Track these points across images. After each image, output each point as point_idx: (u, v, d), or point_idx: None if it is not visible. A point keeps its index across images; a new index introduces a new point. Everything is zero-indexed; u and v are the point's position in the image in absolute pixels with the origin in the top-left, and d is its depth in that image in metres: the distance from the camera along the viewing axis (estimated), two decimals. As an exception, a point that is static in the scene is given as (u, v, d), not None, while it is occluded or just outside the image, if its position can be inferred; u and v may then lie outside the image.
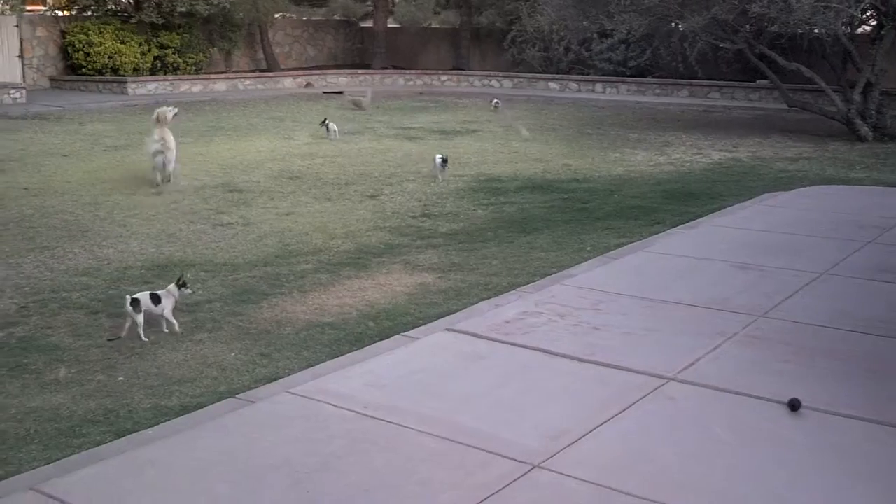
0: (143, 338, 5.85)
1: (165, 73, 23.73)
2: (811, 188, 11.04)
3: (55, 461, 4.19)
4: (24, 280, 7.21)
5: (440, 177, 11.67)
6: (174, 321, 6.01)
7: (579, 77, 24.73)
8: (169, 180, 11.13)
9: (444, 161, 11.77)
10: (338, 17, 30.34)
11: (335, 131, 15.44)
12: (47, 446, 4.40)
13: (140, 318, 5.85)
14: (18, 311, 6.48)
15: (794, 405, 4.58)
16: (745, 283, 6.81)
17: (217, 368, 5.40)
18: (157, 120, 11.33)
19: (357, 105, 20.07)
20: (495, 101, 20.75)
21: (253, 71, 26.60)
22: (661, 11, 16.66)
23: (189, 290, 6.20)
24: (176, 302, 6.06)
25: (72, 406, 4.87)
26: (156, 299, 5.94)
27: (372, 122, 18.02)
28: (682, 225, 8.94)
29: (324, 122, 15.79)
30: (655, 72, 23.88)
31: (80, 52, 22.74)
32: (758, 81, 21.34)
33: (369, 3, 29.52)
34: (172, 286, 6.06)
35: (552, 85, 24.89)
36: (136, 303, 5.86)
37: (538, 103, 21.96)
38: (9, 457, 4.29)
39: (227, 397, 4.89)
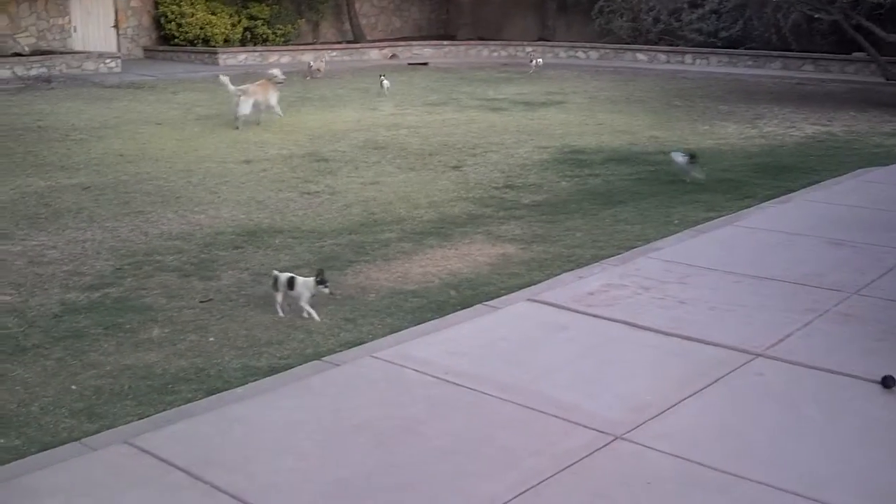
0: (280, 313, 5.77)
1: (255, 44, 24.09)
2: (910, 164, 10.64)
3: (148, 416, 4.34)
4: (119, 243, 7.45)
5: (688, 178, 9.60)
6: (311, 310, 5.75)
7: (668, 48, 24.23)
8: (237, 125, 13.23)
9: (692, 158, 9.63)
10: (424, -12, 30.31)
11: (387, 87, 17.18)
12: (140, 402, 4.55)
13: (278, 296, 5.80)
14: (114, 272, 6.71)
15: (887, 383, 4.45)
16: (838, 260, 6.62)
17: (304, 332, 5.51)
18: (267, 79, 13.74)
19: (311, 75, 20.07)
20: (536, 60, 20.75)
21: (340, 42, 26.79)
22: (756, -20, 16.20)
23: (327, 290, 5.79)
24: (312, 296, 5.76)
25: (164, 364, 5.03)
26: (291, 283, 5.77)
27: (456, 93, 18.00)
28: (774, 199, 8.72)
29: (380, 77, 17.54)
30: (747, 43, 23.23)
31: (173, 23, 23.24)
32: (854, 54, 20.58)
33: (456, -27, 29.39)
34: (310, 280, 5.77)
35: (640, 56, 24.45)
36: (275, 281, 5.81)
37: (625, 75, 21.61)
38: (104, 411, 4.46)
39: (313, 359, 4.99)
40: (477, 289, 6.28)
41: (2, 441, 4.16)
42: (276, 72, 14.10)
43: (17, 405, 4.53)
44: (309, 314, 5.75)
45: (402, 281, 6.50)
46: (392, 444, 3.95)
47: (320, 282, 5.75)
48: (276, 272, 5.92)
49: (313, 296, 5.78)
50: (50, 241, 7.49)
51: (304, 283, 5.78)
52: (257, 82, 13.77)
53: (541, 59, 20.32)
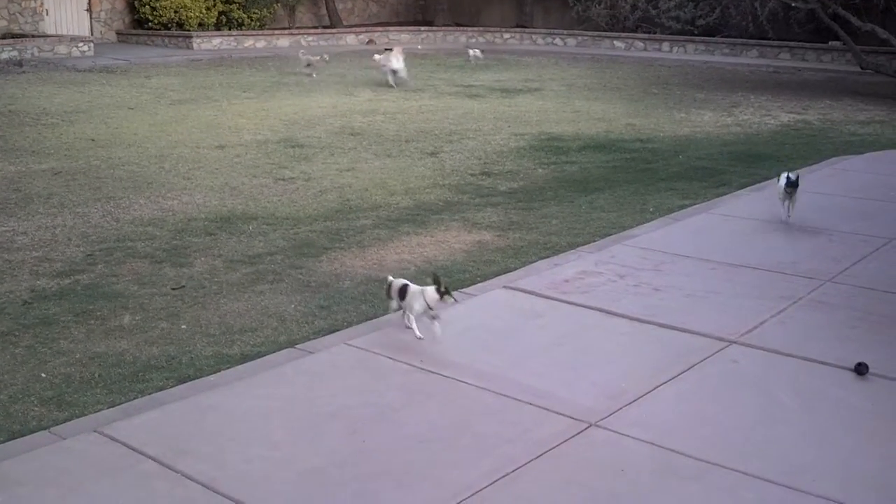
0: (417, 332, 4.87)
1: (230, 29, 23.86)
2: (883, 153, 10.71)
3: (118, 405, 4.28)
4: (90, 229, 7.35)
5: (787, 212, 7.30)
6: (434, 325, 4.88)
7: (646, 36, 24.25)
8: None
9: (792, 184, 7.20)
10: (401, -26, 30.14)
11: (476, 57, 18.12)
12: (111, 390, 4.49)
13: (392, 303, 5.08)
14: (85, 259, 6.61)
15: (860, 370, 4.47)
16: (813, 247, 6.65)
17: (277, 319, 5.46)
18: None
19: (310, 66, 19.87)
20: (474, 51, 20.62)
21: (316, 27, 26.60)
22: (733, -32, 16.21)
23: (452, 300, 4.86)
24: (428, 308, 4.83)
25: (135, 352, 4.96)
26: (403, 292, 4.92)
27: (433, 79, 17.91)
28: (749, 187, 8.75)
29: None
30: (724, 31, 23.29)
31: (147, 7, 22.96)
32: (830, 43, 20.69)
33: (433, -41, 29.24)
34: (430, 289, 4.82)
35: (617, 43, 24.45)
36: (388, 288, 5.02)
37: (603, 62, 21.60)
38: (74, 399, 4.39)
39: (286, 347, 4.94)
40: (453, 276, 6.24)
41: (-31, 430, 4.09)
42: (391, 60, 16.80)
43: (-15, 393, 4.45)
44: (419, 331, 4.87)
45: (377, 268, 6.46)
46: (366, 432, 3.92)
47: (444, 292, 4.77)
48: (390, 277, 5.12)
49: (431, 309, 4.80)
50: (20, 226, 7.38)
51: (422, 291, 4.82)
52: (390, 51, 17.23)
53: (479, 51, 20.00)
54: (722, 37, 23.16)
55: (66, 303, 5.70)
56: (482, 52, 20.23)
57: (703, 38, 23.31)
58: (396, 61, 16.69)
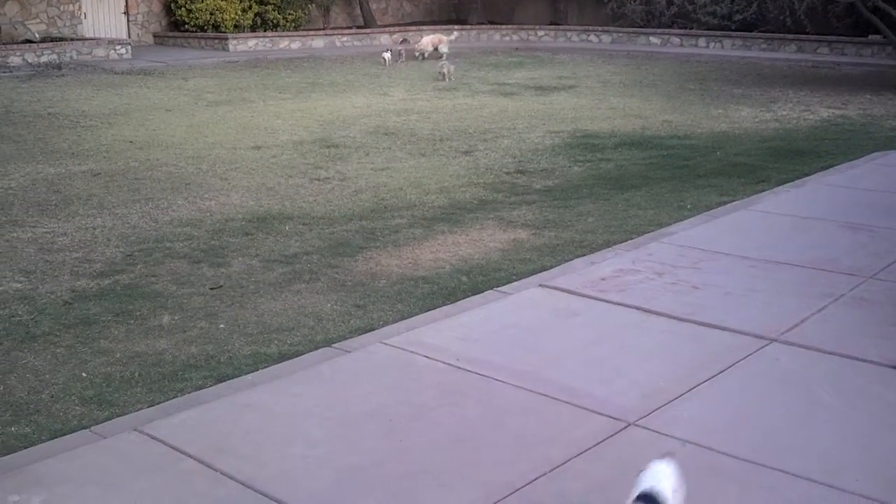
0: None
1: (265, 30, 24.02)
2: (927, 147, 10.52)
3: (158, 404, 4.32)
4: (129, 230, 7.43)
5: None
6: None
7: (682, 31, 24.04)
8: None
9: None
10: (434, -27, 30.14)
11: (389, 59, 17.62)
12: (150, 389, 4.53)
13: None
14: (124, 259, 6.69)
15: (904, 370, 4.39)
16: (854, 244, 6.54)
17: (314, 318, 5.48)
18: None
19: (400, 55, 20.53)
20: (393, 49, 20.28)
21: (350, 27, 26.70)
22: (770, -38, 16.00)
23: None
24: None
25: (174, 351, 5.01)
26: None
27: (467, 77, 17.90)
28: (788, 183, 8.63)
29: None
30: (762, 26, 23.02)
31: (183, 9, 23.18)
32: (870, 37, 20.38)
33: (466, -43, 29.22)
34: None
35: (653, 39, 24.27)
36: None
37: (638, 58, 21.46)
38: (114, 398, 4.44)
39: (323, 346, 4.96)
40: (488, 274, 6.24)
41: (12, 429, 4.14)
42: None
43: (28, 393, 4.52)
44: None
45: (412, 267, 6.46)
46: (403, 431, 3.92)
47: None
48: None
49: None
50: (60, 227, 7.48)
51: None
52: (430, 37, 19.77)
53: (394, 51, 18.34)
54: (759, 32, 22.89)
55: (105, 303, 5.77)
56: (452, 66, 17.42)
57: (740, 33, 23.07)
58: (443, 45, 19.04)
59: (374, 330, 5.20)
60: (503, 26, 27.27)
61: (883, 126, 12.34)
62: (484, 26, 27.44)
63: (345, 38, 24.63)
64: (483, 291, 5.80)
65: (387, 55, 15.46)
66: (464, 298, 5.71)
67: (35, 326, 5.38)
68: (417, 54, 18.77)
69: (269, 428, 3.96)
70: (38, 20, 21.55)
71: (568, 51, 23.36)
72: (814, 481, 3.49)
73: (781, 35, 22.26)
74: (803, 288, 5.63)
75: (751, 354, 4.66)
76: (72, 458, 3.73)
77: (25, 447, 3.93)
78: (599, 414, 4.04)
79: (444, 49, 15.56)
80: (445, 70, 15.92)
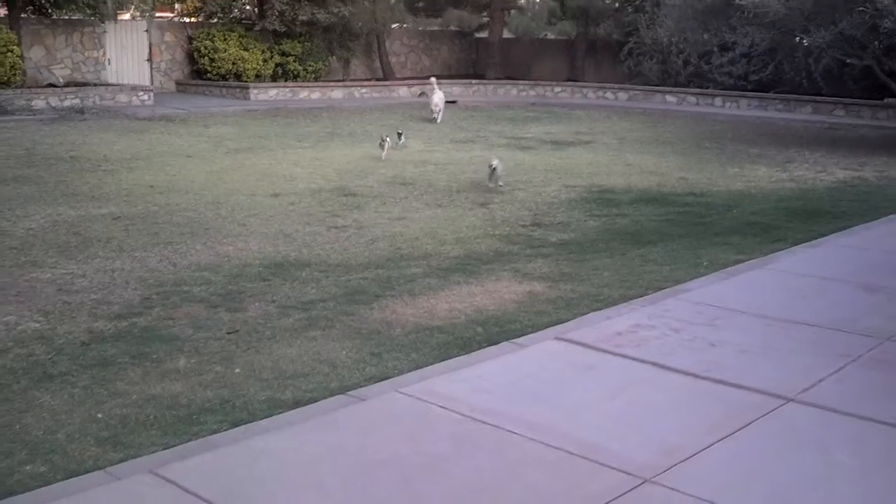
0: None
1: (286, 80, 24.36)
2: (943, 210, 10.52)
3: (172, 447, 4.32)
4: (148, 273, 7.49)
5: None
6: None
7: (698, 90, 24.25)
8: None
9: None
10: (453, 28, 30.56)
11: (392, 143, 14.48)
12: (166, 432, 4.54)
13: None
14: (142, 302, 6.73)
15: (924, 433, 4.35)
16: (872, 305, 6.52)
17: (329, 365, 5.48)
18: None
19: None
20: (431, 81, 20.56)
21: (369, 79, 27.06)
22: (786, 25, 16.19)
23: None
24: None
25: (190, 395, 5.01)
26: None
27: (484, 131, 18.07)
28: (805, 243, 8.64)
29: (399, 134, 15.14)
30: (778, 87, 23.21)
31: (206, 58, 23.57)
32: (886, 100, 20.50)
33: (485, 14, 29.65)
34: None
35: (669, 98, 24.48)
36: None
37: (654, 116, 21.62)
38: (129, 440, 4.44)
39: (338, 393, 4.96)
40: (503, 326, 6.24)
41: (28, 468, 4.15)
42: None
43: (44, 432, 4.53)
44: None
45: (427, 316, 6.48)
46: (417, 482, 3.90)
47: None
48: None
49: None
50: (79, 269, 7.54)
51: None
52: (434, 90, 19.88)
53: (389, 139, 14.41)
54: (775, 92, 23.07)
55: (123, 345, 5.80)
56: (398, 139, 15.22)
57: (756, 93, 23.25)
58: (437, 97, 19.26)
59: (388, 378, 5.20)
60: (520, 81, 27.58)
61: (899, 188, 12.36)
62: (501, 81, 27.75)
63: (364, 90, 24.94)
64: (498, 343, 5.81)
65: (387, 143, 13.95)
66: (479, 349, 5.71)
67: (52, 366, 5.41)
68: (434, 115, 19.11)
69: (283, 475, 3.95)
70: (62, 65, 21.95)
71: (584, 107, 23.58)
72: (832, 543, 3.45)
73: (797, 96, 22.42)
74: (820, 348, 5.61)
75: (768, 413, 4.63)
76: (86, 499, 3.73)
77: (40, 486, 3.93)
78: (615, 469, 4.01)
79: (498, 167, 13.08)
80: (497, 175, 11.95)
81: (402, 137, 13.57)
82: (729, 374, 5.15)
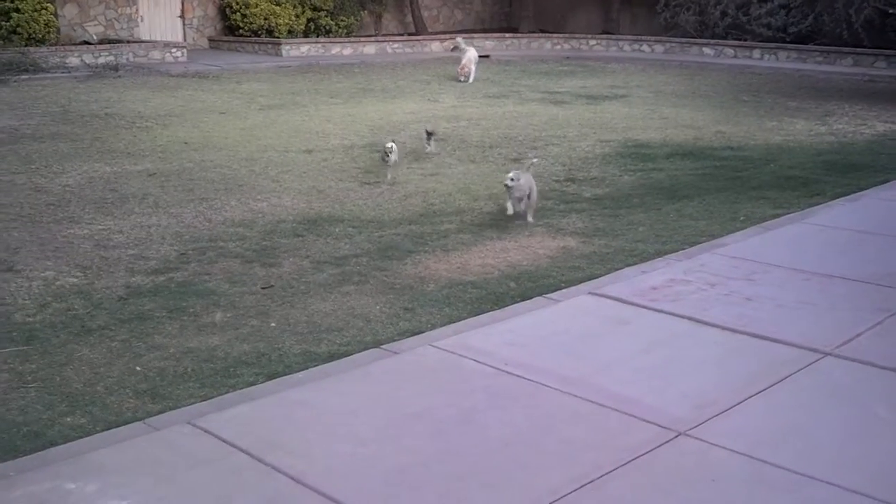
0: None
1: (318, 36, 24.23)
2: None
3: (210, 399, 4.38)
4: (183, 229, 7.55)
5: None
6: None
7: (735, 43, 23.78)
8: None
9: None
10: (487, -19, 30.17)
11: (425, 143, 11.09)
12: (203, 384, 4.60)
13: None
14: (178, 257, 6.79)
15: (964, 388, 4.29)
16: (912, 259, 6.42)
17: (363, 319, 5.51)
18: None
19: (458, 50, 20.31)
20: (457, 41, 20.29)
21: (401, 34, 26.83)
22: (828, -26, 15.76)
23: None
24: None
25: (226, 348, 5.07)
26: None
27: (517, 86, 17.90)
28: (844, 197, 8.50)
29: (428, 134, 11.10)
30: (817, 38, 22.69)
31: (238, 14, 23.47)
32: (930, 50, 19.99)
33: (519, -34, 29.22)
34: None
35: (706, 50, 24.04)
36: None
37: (691, 69, 21.28)
38: (167, 392, 4.51)
39: (372, 347, 4.99)
40: (537, 281, 6.23)
41: (68, 419, 4.23)
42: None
43: (83, 385, 4.61)
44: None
45: (460, 272, 6.48)
46: (450, 434, 3.93)
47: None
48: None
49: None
50: (116, 225, 7.62)
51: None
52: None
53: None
54: (815, 44, 22.56)
55: (160, 299, 5.87)
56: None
57: (795, 45, 22.75)
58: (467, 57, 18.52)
59: (422, 333, 5.22)
60: (554, 35, 27.21)
61: (942, 141, 12.10)
62: (535, 35, 27.40)
63: (396, 45, 24.75)
64: (532, 298, 5.80)
65: (391, 157, 10.83)
66: (512, 304, 5.71)
67: (91, 320, 5.49)
68: (462, 78, 18.43)
69: (318, 425, 3.99)
70: (95, 22, 21.97)
71: (619, 60, 23.24)
72: (871, 497, 3.43)
73: (837, 48, 21.91)
74: (858, 302, 5.54)
75: (804, 367, 4.60)
76: (126, 449, 3.80)
77: (81, 437, 4.01)
78: (649, 422, 4.01)
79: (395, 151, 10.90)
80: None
81: (433, 140, 10.43)
82: (765, 328, 5.10)
